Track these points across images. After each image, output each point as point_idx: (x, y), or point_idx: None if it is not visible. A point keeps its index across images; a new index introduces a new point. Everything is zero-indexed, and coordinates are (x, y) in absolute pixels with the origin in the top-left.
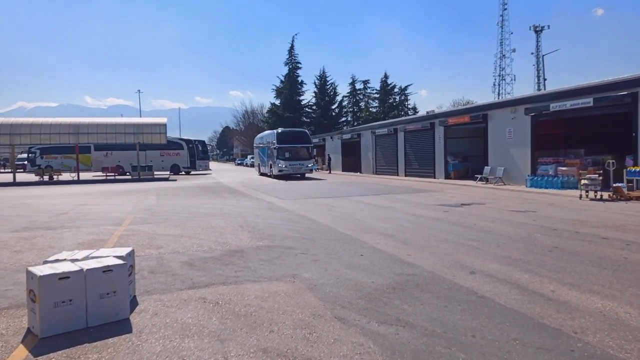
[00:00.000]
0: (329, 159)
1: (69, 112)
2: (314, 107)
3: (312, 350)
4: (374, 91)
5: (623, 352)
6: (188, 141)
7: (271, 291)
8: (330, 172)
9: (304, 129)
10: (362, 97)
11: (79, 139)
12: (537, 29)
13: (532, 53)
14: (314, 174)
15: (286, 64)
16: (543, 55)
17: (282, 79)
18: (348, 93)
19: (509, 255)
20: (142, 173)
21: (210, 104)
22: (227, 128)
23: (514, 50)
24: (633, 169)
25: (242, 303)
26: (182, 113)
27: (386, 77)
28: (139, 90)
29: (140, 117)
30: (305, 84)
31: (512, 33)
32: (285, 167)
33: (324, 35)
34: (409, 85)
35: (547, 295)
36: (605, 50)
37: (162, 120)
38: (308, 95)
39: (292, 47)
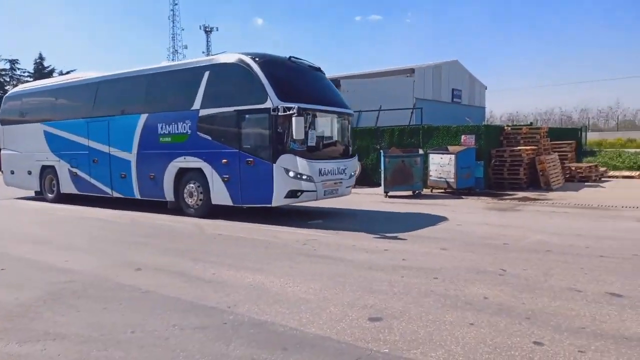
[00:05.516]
0: None
1: None
2: None
3: None
4: (26, 73)
5: (264, 314)
6: None
7: None
8: None
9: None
10: (8, 80)
11: None
12: (207, 29)
13: (203, 52)
14: None
15: None
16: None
17: None
18: None
19: (177, 247)
20: None
21: None
22: None
23: (185, 47)
24: None
25: None
26: None
27: (42, 58)
28: None
29: None
30: None
31: (183, 29)
32: (307, 178)
33: None
34: (73, 70)
35: (208, 279)
36: None
37: None
38: None
39: None
